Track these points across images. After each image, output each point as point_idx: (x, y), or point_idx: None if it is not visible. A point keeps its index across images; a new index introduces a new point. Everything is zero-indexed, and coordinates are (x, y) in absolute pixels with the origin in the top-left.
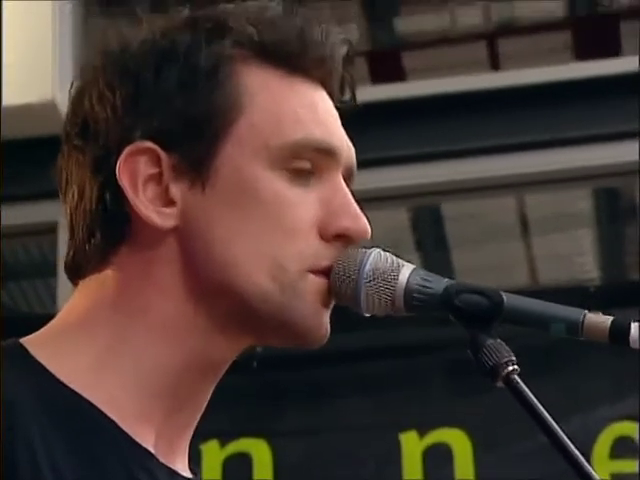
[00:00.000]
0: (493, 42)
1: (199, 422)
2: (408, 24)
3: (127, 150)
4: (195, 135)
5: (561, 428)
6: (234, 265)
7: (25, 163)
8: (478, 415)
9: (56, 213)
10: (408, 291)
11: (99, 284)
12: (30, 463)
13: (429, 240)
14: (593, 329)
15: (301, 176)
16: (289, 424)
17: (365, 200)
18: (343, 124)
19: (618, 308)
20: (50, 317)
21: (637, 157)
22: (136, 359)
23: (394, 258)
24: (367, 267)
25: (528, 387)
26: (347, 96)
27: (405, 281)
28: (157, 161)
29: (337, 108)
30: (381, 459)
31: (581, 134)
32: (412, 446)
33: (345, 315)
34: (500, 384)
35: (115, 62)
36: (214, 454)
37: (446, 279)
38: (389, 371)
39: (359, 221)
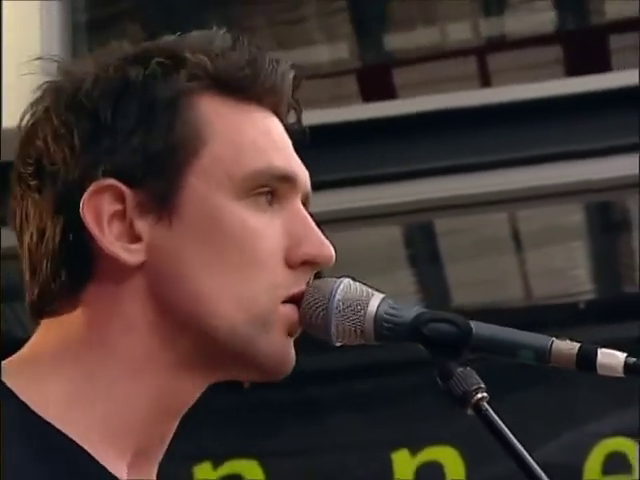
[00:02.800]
0: (483, 57)
1: (191, 444)
2: (398, 40)
3: (90, 188)
4: (158, 170)
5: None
6: (204, 299)
7: None
8: (469, 432)
9: None
10: (377, 320)
11: (68, 321)
12: None
13: (422, 256)
14: (561, 356)
15: (264, 203)
16: (281, 444)
17: (358, 217)
18: (336, 143)
19: (611, 322)
20: None
21: (628, 171)
22: (104, 397)
23: (364, 287)
24: (337, 297)
25: (521, 403)
26: (293, 120)
27: (374, 310)
28: (121, 197)
29: (292, 132)
30: (374, 478)
31: (572, 149)
32: (404, 464)
33: None
34: (470, 412)
35: (68, 100)
36: (207, 476)
37: (416, 307)
38: (381, 389)
39: (323, 247)
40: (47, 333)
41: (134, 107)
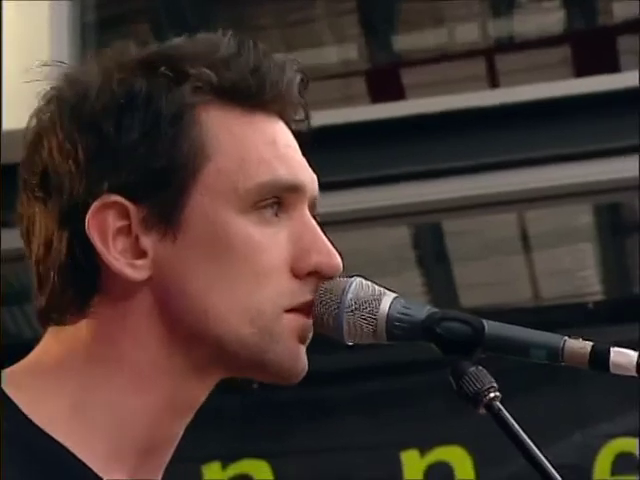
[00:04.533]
0: (491, 58)
1: (200, 444)
2: (406, 41)
3: (95, 205)
4: (162, 186)
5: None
6: (211, 313)
7: None
8: (478, 432)
9: None
10: (390, 319)
11: (74, 332)
12: None
13: (431, 256)
14: (573, 355)
15: (270, 216)
16: (290, 445)
17: (366, 218)
18: (344, 144)
19: (620, 322)
20: None
21: (637, 173)
22: (109, 407)
23: (376, 287)
24: (349, 296)
25: (530, 402)
26: (301, 119)
27: (387, 310)
28: (126, 214)
29: (297, 134)
30: (383, 478)
31: (581, 150)
32: (414, 465)
33: None
34: (482, 411)
35: (72, 112)
36: (216, 476)
37: (427, 307)
38: (390, 390)
39: (330, 256)
40: (53, 342)
41: (137, 122)
